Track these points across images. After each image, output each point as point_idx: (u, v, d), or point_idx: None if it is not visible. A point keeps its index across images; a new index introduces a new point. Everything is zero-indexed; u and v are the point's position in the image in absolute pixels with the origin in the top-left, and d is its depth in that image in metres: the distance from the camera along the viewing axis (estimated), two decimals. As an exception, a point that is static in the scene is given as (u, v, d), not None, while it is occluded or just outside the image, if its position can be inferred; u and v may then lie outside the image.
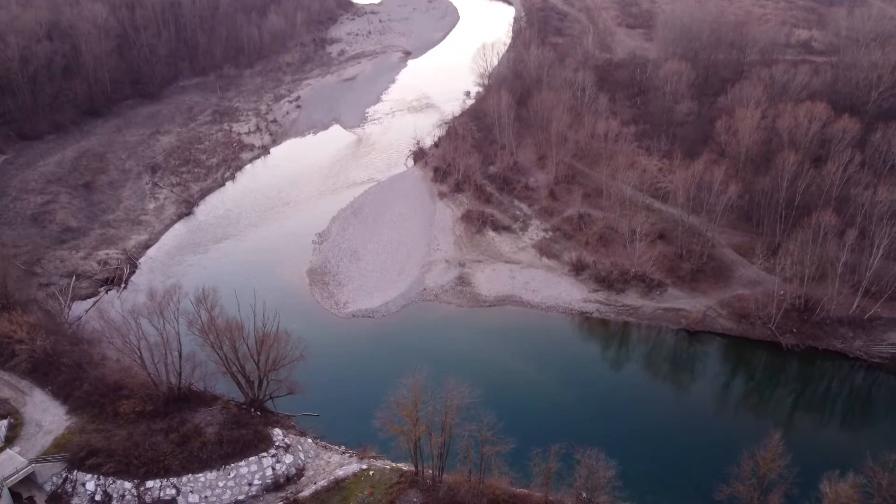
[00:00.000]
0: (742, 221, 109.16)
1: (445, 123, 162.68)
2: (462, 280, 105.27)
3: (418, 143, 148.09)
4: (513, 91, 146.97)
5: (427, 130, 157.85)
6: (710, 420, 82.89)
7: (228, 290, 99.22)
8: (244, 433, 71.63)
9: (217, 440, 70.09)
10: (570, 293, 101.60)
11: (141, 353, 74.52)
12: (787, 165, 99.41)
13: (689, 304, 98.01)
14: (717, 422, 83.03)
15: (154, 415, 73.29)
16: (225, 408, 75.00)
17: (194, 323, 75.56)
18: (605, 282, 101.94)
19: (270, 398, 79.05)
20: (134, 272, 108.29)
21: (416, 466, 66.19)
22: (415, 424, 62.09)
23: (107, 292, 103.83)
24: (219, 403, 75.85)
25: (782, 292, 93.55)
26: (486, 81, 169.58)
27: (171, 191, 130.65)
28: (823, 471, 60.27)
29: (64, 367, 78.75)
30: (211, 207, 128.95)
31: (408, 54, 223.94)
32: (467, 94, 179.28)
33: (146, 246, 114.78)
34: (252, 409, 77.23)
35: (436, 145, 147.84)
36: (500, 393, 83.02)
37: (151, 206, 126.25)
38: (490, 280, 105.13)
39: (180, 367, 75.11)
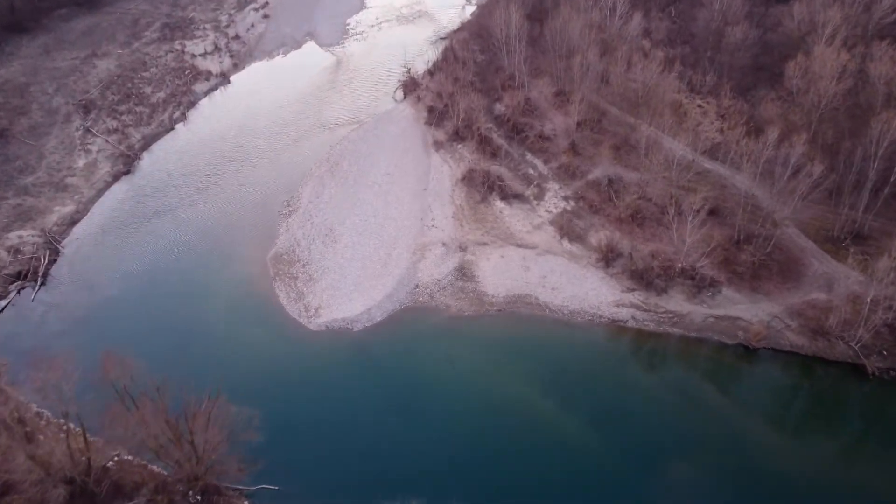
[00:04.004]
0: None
1: (441, 40, 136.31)
2: (463, 272, 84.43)
3: (409, 70, 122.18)
4: (523, 3, 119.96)
5: (419, 49, 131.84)
6: (785, 479, 64.75)
7: (163, 306, 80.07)
8: (175, 544, 53.59)
9: (137, 560, 52.12)
10: (598, 293, 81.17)
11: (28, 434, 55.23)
12: (887, 131, 76.22)
13: (749, 311, 77.92)
14: (792, 481, 64.97)
15: (54, 516, 54.81)
16: (151, 500, 56.48)
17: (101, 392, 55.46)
18: (643, 278, 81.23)
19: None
20: (55, 261, 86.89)
21: None
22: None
23: (19, 292, 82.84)
24: (144, 492, 57.27)
25: (870, 299, 73.39)
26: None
27: (107, 140, 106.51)
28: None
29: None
30: (155, 162, 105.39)
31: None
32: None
33: (72, 221, 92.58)
34: (191, 493, 58.84)
35: (430, 73, 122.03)
36: (516, 450, 65.67)
37: (81, 162, 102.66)
38: (498, 272, 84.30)
39: (87, 446, 55.96)
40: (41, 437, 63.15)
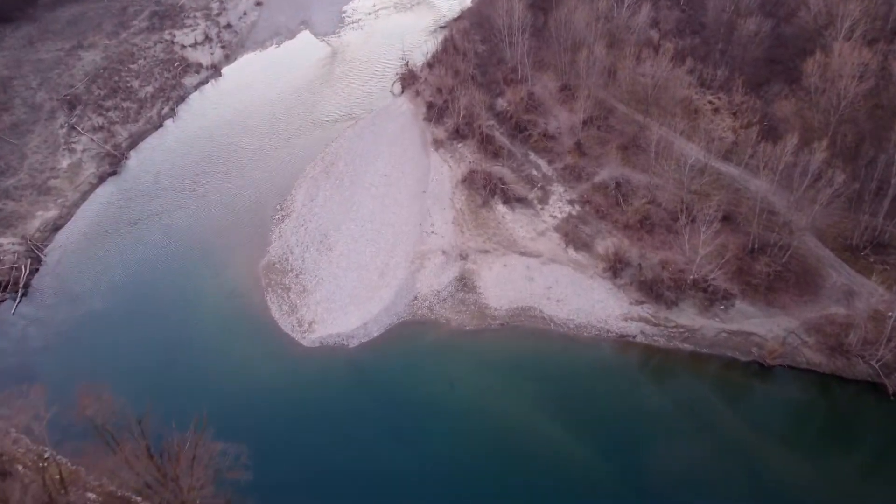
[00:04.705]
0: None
1: (441, 29, 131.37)
2: (464, 282, 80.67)
3: (407, 63, 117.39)
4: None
5: (418, 39, 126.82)
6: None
7: (150, 321, 76.30)
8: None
9: None
10: (605, 305, 77.47)
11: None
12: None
13: (764, 325, 74.29)
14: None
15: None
16: (134, 542, 53.38)
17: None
18: (652, 290, 77.46)
19: (202, 508, 57.37)
20: (37, 270, 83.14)
21: None
22: None
23: (-2, 305, 79.38)
24: (126, 532, 54.14)
25: (891, 314, 69.84)
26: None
27: (92, 139, 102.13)
28: None
29: None
30: (142, 163, 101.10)
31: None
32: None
33: (55, 228, 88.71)
34: (175, 530, 55.60)
35: (429, 65, 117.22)
36: (520, 476, 62.71)
37: (65, 162, 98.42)
38: (500, 282, 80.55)
39: (64, 488, 52.60)
40: (20, 468, 59.88)
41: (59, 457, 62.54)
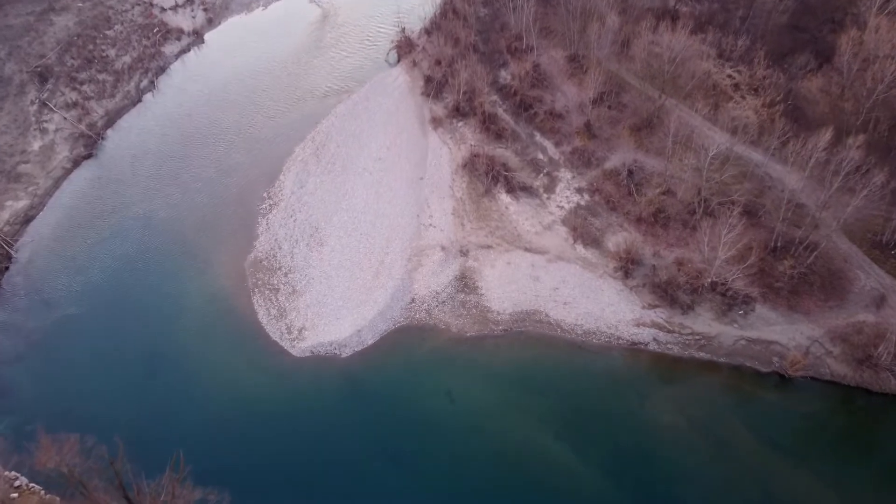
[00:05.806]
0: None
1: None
2: (464, 282, 75.36)
3: (403, 29, 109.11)
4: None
5: (415, 0, 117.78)
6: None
7: (128, 328, 71.23)
8: None
9: None
10: (616, 310, 72.36)
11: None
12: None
13: (786, 333, 69.45)
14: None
15: None
16: (109, 593, 49.56)
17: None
18: (667, 293, 72.29)
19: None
20: (7, 269, 77.64)
21: None
22: None
23: (-33, 308, 74.17)
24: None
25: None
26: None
27: (65, 117, 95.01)
28: None
29: None
30: (120, 144, 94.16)
31: None
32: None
33: (26, 220, 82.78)
34: (156, 575, 51.83)
35: (427, 32, 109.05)
36: (523, 499, 58.83)
37: (36, 144, 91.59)
38: (504, 282, 75.21)
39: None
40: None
41: (32, 484, 58.91)
